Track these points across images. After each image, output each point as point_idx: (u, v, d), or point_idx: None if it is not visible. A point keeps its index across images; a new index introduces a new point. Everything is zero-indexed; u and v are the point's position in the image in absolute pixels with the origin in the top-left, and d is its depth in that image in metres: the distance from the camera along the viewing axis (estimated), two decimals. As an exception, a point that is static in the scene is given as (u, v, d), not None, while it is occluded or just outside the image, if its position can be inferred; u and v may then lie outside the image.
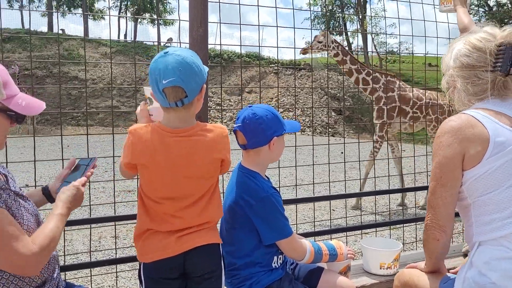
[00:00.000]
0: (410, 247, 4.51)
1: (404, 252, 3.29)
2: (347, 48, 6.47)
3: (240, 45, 2.91)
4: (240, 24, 2.85)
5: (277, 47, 3.07)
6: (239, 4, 2.90)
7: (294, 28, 3.16)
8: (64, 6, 42.48)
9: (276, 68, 26.09)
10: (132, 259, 2.34)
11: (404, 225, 3.71)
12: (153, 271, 1.70)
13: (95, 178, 8.78)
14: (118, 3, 43.53)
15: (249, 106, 1.89)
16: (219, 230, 1.88)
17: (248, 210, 1.84)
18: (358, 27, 28.24)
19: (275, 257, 1.92)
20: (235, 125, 1.87)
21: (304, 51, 6.04)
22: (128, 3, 42.97)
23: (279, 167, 2.93)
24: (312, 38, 6.29)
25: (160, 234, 1.69)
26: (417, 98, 6.50)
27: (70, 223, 1.97)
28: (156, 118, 1.85)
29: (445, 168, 1.56)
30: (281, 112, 22.36)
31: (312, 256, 1.93)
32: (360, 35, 27.52)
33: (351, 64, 6.32)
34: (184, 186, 1.67)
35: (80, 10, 41.76)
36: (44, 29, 35.94)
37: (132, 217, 2.26)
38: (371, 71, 6.44)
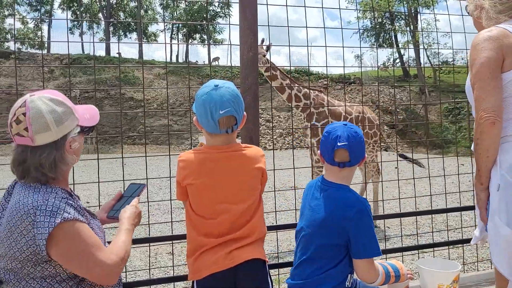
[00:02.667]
0: (471, 267, 4.31)
1: (465, 273, 3.15)
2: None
3: (290, 66, 2.96)
4: (289, 46, 2.91)
5: (326, 66, 3.10)
6: (288, 26, 2.97)
7: (343, 47, 3.17)
8: (120, 31, 44.78)
9: (325, 83, 25.97)
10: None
11: (464, 244, 3.56)
12: (207, 286, 1.77)
13: (150, 195, 9.08)
14: (170, 26, 45.25)
15: (345, 124, 1.92)
16: (304, 247, 1.92)
17: (347, 223, 1.81)
18: (410, 38, 27.62)
19: (349, 276, 1.90)
20: (339, 144, 1.87)
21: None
22: (180, 25, 44.57)
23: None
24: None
25: (210, 251, 1.77)
26: (346, 113, 6.10)
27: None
28: None
29: (490, 65, 1.70)
30: (331, 127, 22.11)
31: (383, 279, 1.90)
32: (412, 47, 26.88)
33: (282, 79, 5.81)
34: (229, 200, 1.78)
35: (135, 34, 43.84)
36: (102, 53, 38.03)
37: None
38: (302, 87, 5.99)
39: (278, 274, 3.29)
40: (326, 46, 3.01)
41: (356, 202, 1.83)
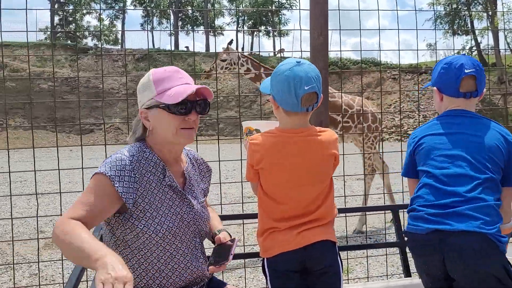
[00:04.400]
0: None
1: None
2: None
3: (361, 50, 2.92)
4: (360, 29, 2.87)
5: (399, 50, 3.02)
6: (359, 10, 2.92)
7: (416, 29, 3.07)
8: (188, 25, 46.12)
9: (395, 73, 25.12)
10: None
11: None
12: (276, 264, 1.80)
13: (217, 185, 9.33)
14: (236, 19, 45.89)
15: (464, 55, 1.87)
16: (457, 180, 1.76)
17: (510, 146, 1.75)
18: (488, 24, 25.88)
19: None
20: (466, 71, 1.78)
21: (207, 74, 5.17)
22: (245, 18, 45.03)
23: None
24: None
25: (281, 232, 1.79)
26: (347, 105, 5.53)
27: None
28: None
29: None
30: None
31: None
32: (490, 33, 25.21)
33: (267, 77, 5.12)
34: (302, 184, 1.78)
35: (202, 28, 44.93)
36: (171, 47, 39.40)
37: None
38: None
39: (347, 258, 3.28)
40: (398, 29, 2.94)
41: (505, 129, 1.79)
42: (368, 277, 3.22)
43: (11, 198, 2.89)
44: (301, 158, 1.78)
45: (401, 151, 3.12)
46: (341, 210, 2.57)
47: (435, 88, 1.89)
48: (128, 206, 1.51)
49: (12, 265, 3.37)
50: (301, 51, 2.95)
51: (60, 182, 2.99)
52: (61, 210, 2.85)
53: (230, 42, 5.24)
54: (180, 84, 1.60)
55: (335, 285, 1.85)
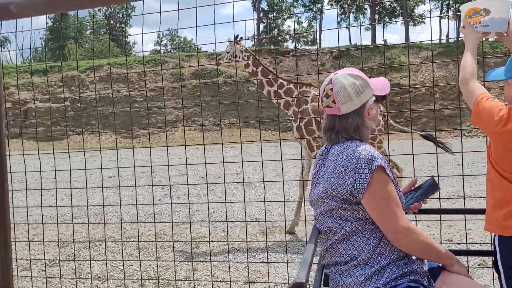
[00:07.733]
0: None
1: None
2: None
3: None
4: None
5: None
6: None
7: None
8: (386, 17, 44.75)
9: None
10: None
11: None
12: None
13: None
14: (439, 4, 42.44)
15: None
16: None
17: None
18: None
19: None
20: None
21: (217, 62, 5.67)
22: (450, 2, 41.24)
23: None
24: None
25: None
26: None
27: (423, 211, 2.07)
28: (494, 29, 1.87)
29: None
30: None
31: None
32: None
33: (262, 76, 5.67)
34: None
35: (400, 18, 43.05)
36: (368, 42, 38.87)
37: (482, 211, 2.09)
38: (285, 83, 5.68)
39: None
40: None
41: None
42: None
43: (207, 186, 3.20)
44: None
45: None
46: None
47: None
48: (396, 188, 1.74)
49: (190, 242, 3.76)
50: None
51: (263, 175, 3.25)
52: (244, 197, 3.04)
53: (237, 37, 5.82)
54: (369, 78, 1.84)
55: None
